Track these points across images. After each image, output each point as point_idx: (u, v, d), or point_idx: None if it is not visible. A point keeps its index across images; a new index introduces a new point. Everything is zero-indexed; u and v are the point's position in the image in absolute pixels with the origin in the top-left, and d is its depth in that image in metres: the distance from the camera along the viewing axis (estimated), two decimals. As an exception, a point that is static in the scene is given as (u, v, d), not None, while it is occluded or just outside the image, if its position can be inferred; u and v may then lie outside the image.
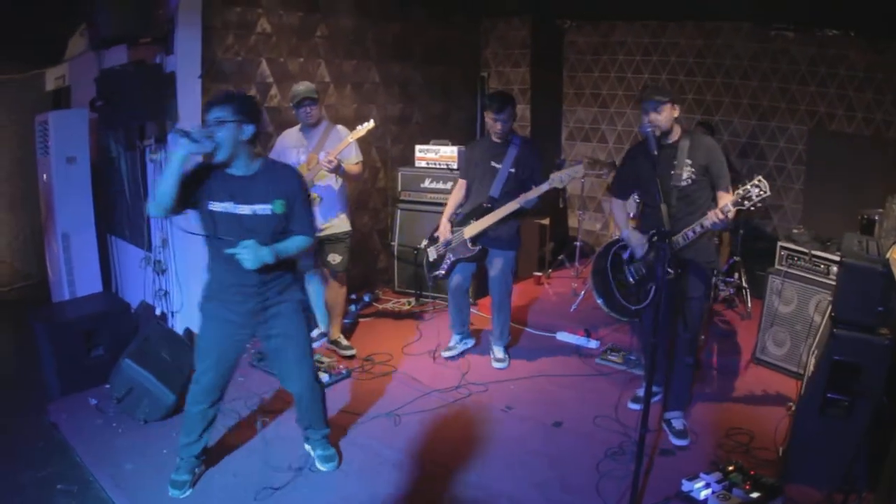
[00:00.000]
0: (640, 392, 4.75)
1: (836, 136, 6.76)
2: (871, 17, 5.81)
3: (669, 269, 3.86)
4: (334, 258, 5.39)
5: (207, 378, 3.64)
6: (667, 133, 4.10)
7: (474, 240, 5.14)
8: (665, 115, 4.02)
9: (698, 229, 3.95)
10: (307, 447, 4.06)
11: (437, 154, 6.70)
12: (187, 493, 3.69)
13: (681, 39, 7.78)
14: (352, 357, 5.50)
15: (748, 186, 3.66)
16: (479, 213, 5.10)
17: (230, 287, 3.53)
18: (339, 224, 5.39)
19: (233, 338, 3.63)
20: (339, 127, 5.36)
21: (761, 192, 3.64)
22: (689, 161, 4.06)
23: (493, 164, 5.09)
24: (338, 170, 5.05)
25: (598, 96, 8.57)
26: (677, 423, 4.30)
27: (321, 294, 5.58)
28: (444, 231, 5.28)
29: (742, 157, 7.53)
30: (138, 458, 4.03)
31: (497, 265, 5.19)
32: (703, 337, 4.67)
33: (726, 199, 3.89)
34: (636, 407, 4.66)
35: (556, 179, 4.82)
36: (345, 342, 5.64)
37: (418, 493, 3.74)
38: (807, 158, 7.07)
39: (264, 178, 3.43)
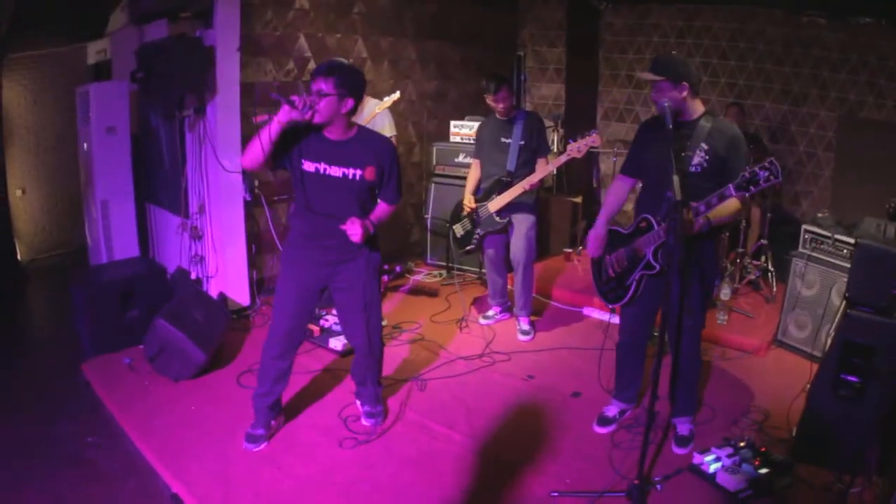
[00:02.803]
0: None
1: (866, 124, 6.71)
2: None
3: (655, 263, 3.65)
4: None
5: (281, 326, 3.78)
6: (681, 111, 3.57)
7: (500, 212, 5.31)
8: (667, 95, 3.50)
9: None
10: (357, 402, 4.24)
11: (472, 129, 6.66)
12: (262, 446, 3.85)
13: (714, 23, 7.77)
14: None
15: (755, 168, 3.09)
16: (500, 187, 5.28)
17: (311, 241, 3.71)
18: None
19: (309, 285, 3.78)
20: (371, 100, 5.45)
21: (770, 177, 3.06)
22: (704, 146, 3.55)
23: (503, 139, 5.31)
24: None
25: (632, 78, 8.57)
26: (682, 429, 4.08)
27: None
28: (469, 203, 5.44)
29: (773, 142, 7.52)
30: (167, 414, 4.19)
31: (521, 229, 5.35)
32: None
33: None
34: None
35: (574, 149, 4.93)
36: None
37: (439, 455, 3.87)
38: (836, 145, 7.06)
39: (358, 144, 3.57)
